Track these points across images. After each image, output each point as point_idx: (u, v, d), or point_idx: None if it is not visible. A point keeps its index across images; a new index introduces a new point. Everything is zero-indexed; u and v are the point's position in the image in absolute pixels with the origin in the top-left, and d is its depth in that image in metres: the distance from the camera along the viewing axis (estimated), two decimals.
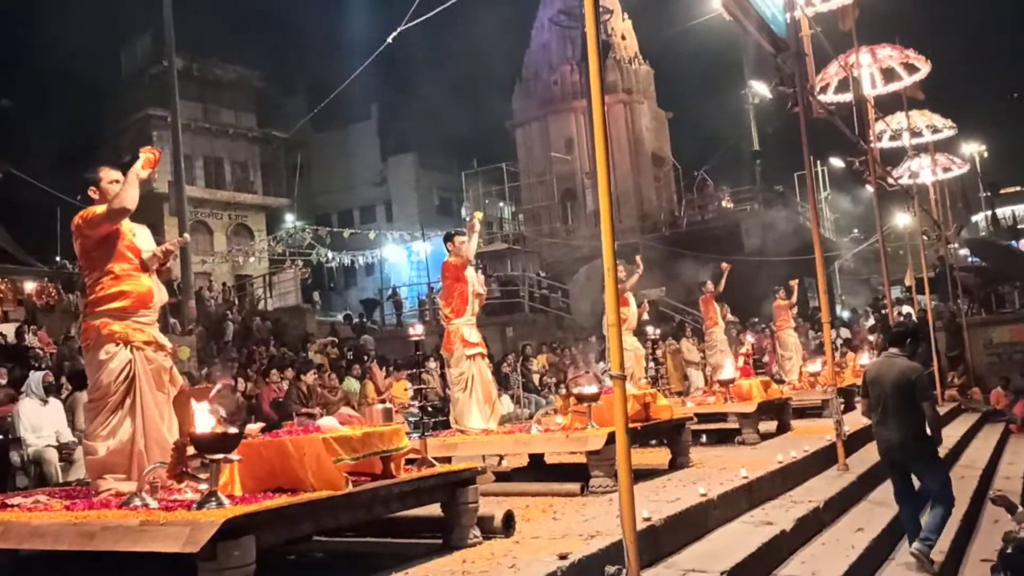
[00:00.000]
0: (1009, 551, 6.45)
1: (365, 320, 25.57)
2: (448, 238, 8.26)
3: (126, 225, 4.98)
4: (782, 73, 9.15)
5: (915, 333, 6.99)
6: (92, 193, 4.94)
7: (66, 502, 4.50)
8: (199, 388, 4.51)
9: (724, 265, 14.99)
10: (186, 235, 5.53)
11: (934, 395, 6.65)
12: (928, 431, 6.49)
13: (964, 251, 27.58)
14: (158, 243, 5.22)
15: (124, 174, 5.04)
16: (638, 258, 12.12)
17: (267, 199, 38.99)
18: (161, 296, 5.04)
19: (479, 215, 8.56)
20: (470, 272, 8.14)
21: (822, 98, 12.86)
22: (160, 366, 4.90)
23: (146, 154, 4.91)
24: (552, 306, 25.87)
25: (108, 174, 4.95)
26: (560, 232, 32.38)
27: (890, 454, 6.63)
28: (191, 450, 3.95)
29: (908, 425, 6.42)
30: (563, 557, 4.41)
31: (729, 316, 16.79)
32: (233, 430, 3.87)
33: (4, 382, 10.60)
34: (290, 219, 39.24)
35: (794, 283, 16.45)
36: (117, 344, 4.75)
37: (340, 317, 28.21)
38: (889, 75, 17.19)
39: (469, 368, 7.94)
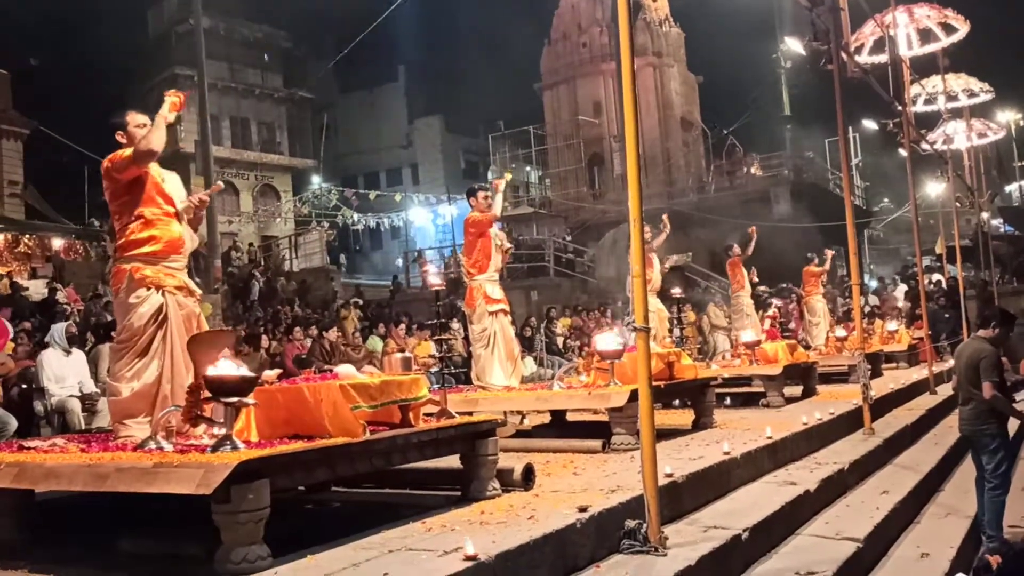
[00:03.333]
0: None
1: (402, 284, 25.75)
2: (471, 193, 8.16)
3: (156, 170, 4.98)
4: (816, 28, 8.91)
5: (1002, 317, 6.97)
6: (120, 137, 4.93)
7: (82, 445, 4.49)
8: (214, 331, 4.46)
9: (751, 229, 14.79)
10: (219, 182, 5.48)
11: (1000, 378, 6.61)
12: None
13: (997, 220, 27.08)
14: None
15: (151, 119, 5.03)
16: (665, 218, 11.91)
17: (293, 160, 38.96)
18: (192, 243, 5.04)
19: (508, 175, 8.43)
20: (493, 228, 8.04)
21: (856, 59, 12.54)
22: (191, 311, 4.91)
23: (171, 97, 4.94)
24: (577, 270, 25.75)
25: (135, 118, 4.94)
26: (587, 196, 32.16)
27: (961, 431, 7.05)
28: (206, 394, 3.90)
29: (972, 404, 6.70)
30: (583, 510, 4.35)
31: (756, 280, 16.59)
32: (247, 373, 3.80)
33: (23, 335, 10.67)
34: (316, 181, 39.23)
35: (830, 253, 16.29)
36: (149, 288, 4.75)
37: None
38: (925, 36, 16.71)
39: (491, 324, 7.85)
